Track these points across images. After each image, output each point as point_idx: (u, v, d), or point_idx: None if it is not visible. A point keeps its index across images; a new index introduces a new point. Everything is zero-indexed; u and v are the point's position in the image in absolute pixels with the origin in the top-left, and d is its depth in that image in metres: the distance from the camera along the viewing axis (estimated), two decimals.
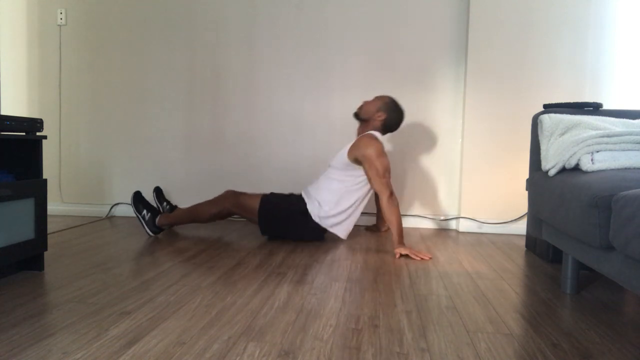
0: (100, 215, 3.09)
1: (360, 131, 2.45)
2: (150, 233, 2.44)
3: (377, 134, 2.36)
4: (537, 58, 2.69)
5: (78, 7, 3.09)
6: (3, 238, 1.58)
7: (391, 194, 2.18)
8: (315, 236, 2.39)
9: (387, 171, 2.22)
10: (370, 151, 2.21)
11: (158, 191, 2.73)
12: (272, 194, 2.43)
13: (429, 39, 2.85)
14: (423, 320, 1.36)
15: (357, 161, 2.28)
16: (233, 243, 2.33)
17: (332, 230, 2.37)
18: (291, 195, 2.44)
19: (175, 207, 2.67)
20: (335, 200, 2.32)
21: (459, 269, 1.94)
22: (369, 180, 2.25)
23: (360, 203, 2.38)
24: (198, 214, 2.40)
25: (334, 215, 2.33)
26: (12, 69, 3.15)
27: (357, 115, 2.45)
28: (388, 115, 2.38)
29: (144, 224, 2.43)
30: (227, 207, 2.37)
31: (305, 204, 2.35)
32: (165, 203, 2.70)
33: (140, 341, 1.18)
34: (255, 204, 2.35)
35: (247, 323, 1.31)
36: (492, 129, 2.75)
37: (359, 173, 2.32)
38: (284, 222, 2.36)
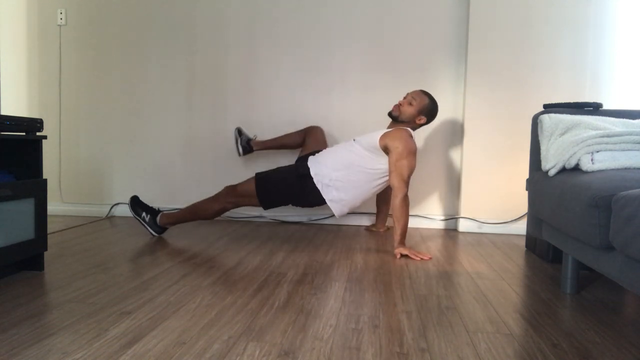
0: (100, 215, 3.09)
1: (394, 126, 2.41)
2: (154, 233, 2.44)
3: (412, 133, 2.34)
4: (537, 58, 2.69)
5: (78, 7, 3.09)
6: (3, 238, 1.58)
7: (406, 193, 2.18)
8: (315, 201, 2.35)
9: (411, 172, 2.21)
10: (403, 147, 2.20)
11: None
12: (263, 171, 2.43)
13: (429, 39, 2.85)
14: (423, 320, 1.36)
15: (386, 149, 2.26)
16: (233, 243, 2.33)
17: (329, 204, 2.33)
18: (289, 165, 2.44)
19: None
20: (346, 173, 2.30)
21: (459, 269, 1.94)
22: (390, 173, 2.23)
23: (368, 189, 2.34)
24: (201, 212, 2.39)
25: (337, 188, 2.30)
26: (12, 69, 3.15)
27: (395, 118, 2.40)
28: (428, 118, 2.40)
29: (146, 226, 2.43)
30: (228, 201, 2.36)
31: (307, 169, 2.33)
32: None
33: (140, 341, 1.18)
34: (252, 185, 2.35)
35: (247, 323, 1.31)
36: (492, 129, 2.75)
37: (381, 160, 2.30)
38: (282, 191, 2.34)
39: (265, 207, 2.39)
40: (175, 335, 1.22)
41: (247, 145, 2.82)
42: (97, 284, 1.63)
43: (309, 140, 2.71)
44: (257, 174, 2.38)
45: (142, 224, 2.44)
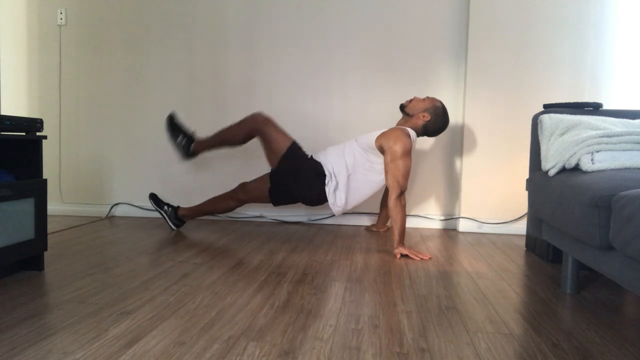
0: (100, 215, 3.09)
1: (401, 123, 2.45)
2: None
3: (412, 132, 2.33)
4: (537, 58, 2.69)
5: (78, 7, 3.09)
6: (3, 238, 1.58)
7: (401, 193, 2.18)
8: (318, 200, 2.40)
9: (406, 172, 2.20)
10: (397, 147, 2.19)
11: (154, 197, 2.66)
12: (300, 147, 2.46)
13: (429, 39, 2.85)
14: (423, 320, 1.36)
15: (381, 149, 2.27)
16: (233, 243, 2.33)
17: (332, 207, 2.38)
18: (304, 161, 2.46)
19: (178, 207, 2.64)
20: (347, 175, 2.34)
21: (459, 269, 1.94)
22: (385, 173, 2.24)
23: (366, 191, 2.38)
24: (227, 139, 2.45)
25: (340, 191, 2.35)
26: (12, 69, 3.15)
27: (403, 107, 2.43)
28: (432, 119, 2.38)
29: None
30: (256, 128, 2.40)
31: (322, 167, 2.37)
32: (166, 207, 2.63)
33: (140, 341, 1.18)
34: (284, 144, 2.39)
35: (247, 323, 1.31)
36: (492, 128, 2.75)
37: (377, 160, 2.32)
38: (302, 175, 2.37)
39: (274, 175, 2.42)
40: (175, 335, 1.22)
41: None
42: (97, 284, 1.63)
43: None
44: (293, 142, 2.41)
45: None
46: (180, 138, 2.50)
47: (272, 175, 2.42)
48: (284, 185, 2.40)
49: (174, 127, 2.53)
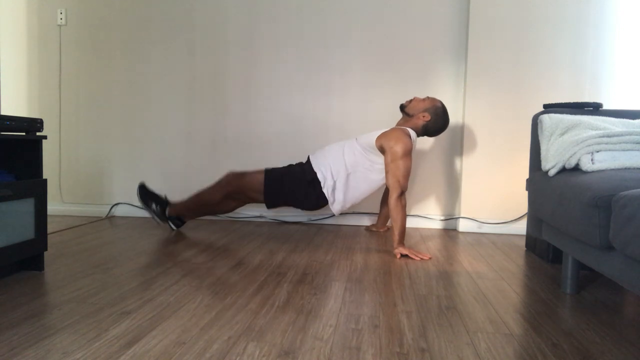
0: (100, 215, 3.09)
1: (401, 123, 2.45)
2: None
3: (412, 133, 2.33)
4: (537, 58, 2.69)
5: (78, 7, 3.09)
6: (3, 238, 1.58)
7: (402, 193, 2.18)
8: (318, 205, 2.41)
9: (407, 172, 2.20)
10: (398, 147, 2.19)
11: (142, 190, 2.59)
12: (273, 168, 2.46)
13: (429, 39, 2.85)
14: (423, 320, 1.36)
15: (382, 149, 2.27)
16: (233, 243, 2.33)
17: (331, 206, 2.40)
18: (294, 165, 2.46)
19: (165, 197, 2.61)
20: (347, 174, 2.35)
21: (459, 269, 1.94)
22: (386, 173, 2.24)
23: (366, 190, 2.39)
24: (205, 203, 2.45)
25: (340, 190, 2.36)
26: (12, 69, 3.15)
27: (403, 107, 2.43)
28: (432, 118, 2.37)
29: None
30: (232, 188, 2.40)
31: (314, 173, 2.37)
32: (153, 204, 2.57)
33: (140, 341, 1.18)
34: (260, 179, 2.39)
35: (247, 323, 1.31)
36: (492, 128, 2.75)
37: (378, 160, 2.32)
38: (291, 192, 2.38)
39: (269, 206, 2.43)
40: (175, 335, 1.22)
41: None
42: (97, 284, 1.63)
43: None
44: (268, 171, 2.41)
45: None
46: (153, 205, 2.52)
47: (267, 204, 2.43)
48: (282, 202, 2.43)
49: (145, 195, 2.53)
